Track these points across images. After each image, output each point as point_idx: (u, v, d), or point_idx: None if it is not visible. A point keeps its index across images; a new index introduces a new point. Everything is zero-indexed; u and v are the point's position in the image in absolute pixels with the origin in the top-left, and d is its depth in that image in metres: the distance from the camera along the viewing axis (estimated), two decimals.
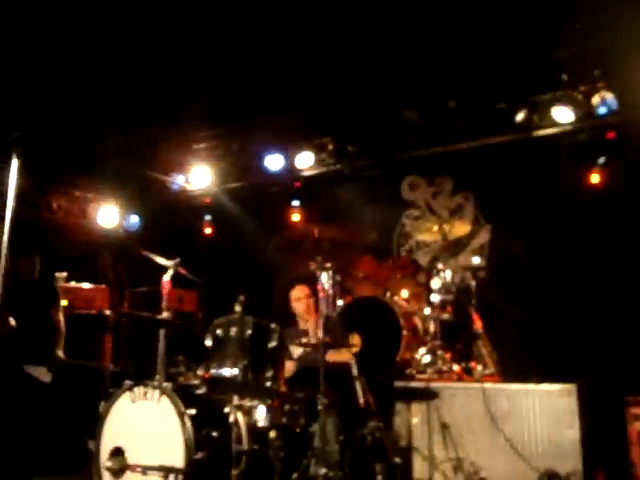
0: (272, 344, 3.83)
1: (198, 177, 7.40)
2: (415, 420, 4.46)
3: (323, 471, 3.53)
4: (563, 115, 5.78)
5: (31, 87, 5.51)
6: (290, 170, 6.95)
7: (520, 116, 5.97)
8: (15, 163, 2.74)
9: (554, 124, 5.88)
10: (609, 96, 5.52)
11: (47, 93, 5.64)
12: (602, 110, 5.60)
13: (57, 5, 4.87)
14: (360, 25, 5.28)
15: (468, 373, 4.77)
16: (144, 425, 3.72)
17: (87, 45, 5.34)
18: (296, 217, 7.08)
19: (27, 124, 3.08)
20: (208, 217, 7.76)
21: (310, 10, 5.14)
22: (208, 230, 7.78)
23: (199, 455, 3.52)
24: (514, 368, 4.87)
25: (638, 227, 5.56)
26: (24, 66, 5.35)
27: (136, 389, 3.82)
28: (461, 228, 5.73)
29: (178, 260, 4.43)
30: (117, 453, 3.74)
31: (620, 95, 5.49)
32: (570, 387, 4.10)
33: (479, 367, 4.78)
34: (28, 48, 5.22)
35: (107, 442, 3.81)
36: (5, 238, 2.70)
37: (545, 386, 4.17)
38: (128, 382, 3.89)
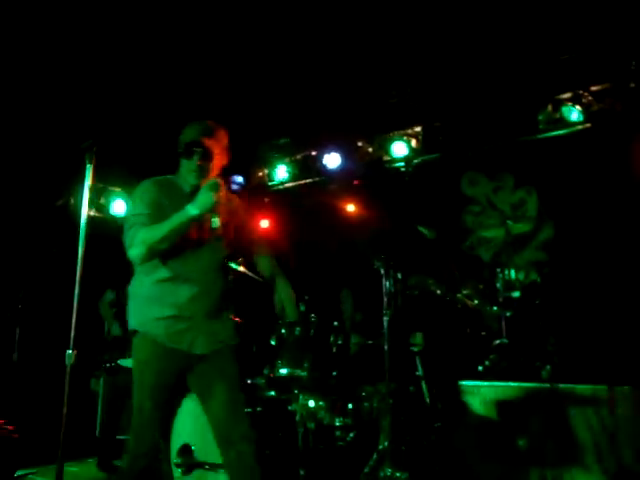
0: (337, 342, 3.83)
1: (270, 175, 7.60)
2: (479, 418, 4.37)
3: (390, 471, 3.51)
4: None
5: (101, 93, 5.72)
6: (348, 168, 6.98)
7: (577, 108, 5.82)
8: (89, 169, 2.82)
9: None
10: None
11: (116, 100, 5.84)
12: None
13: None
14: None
15: (535, 372, 4.64)
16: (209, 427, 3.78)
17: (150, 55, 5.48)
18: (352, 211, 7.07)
19: (99, 131, 3.17)
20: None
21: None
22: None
23: (266, 454, 3.55)
24: (581, 368, 4.72)
25: None
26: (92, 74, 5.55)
27: None
28: (524, 224, 5.59)
29: (240, 260, 4.49)
30: (185, 451, 3.81)
31: None
32: None
33: (547, 366, 4.64)
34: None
35: (176, 439, 3.89)
36: (81, 246, 2.79)
37: (618, 388, 4.02)
38: None
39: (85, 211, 2.85)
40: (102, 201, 7.33)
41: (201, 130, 3.02)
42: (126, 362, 5.05)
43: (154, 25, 5.18)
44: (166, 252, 2.90)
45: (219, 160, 3.06)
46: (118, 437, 5.12)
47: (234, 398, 2.98)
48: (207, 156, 3.00)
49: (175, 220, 2.85)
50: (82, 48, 5.31)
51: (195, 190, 2.96)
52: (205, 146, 2.98)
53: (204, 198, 2.84)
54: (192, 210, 2.83)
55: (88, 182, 2.85)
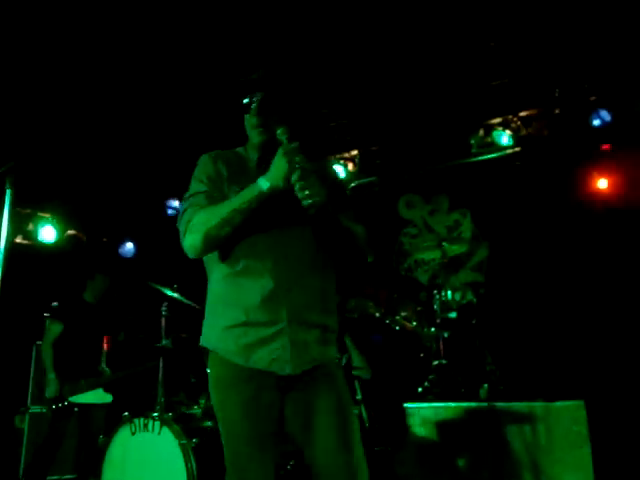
0: None
1: None
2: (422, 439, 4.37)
3: None
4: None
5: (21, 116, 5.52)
6: None
7: (507, 133, 6.06)
8: (9, 194, 2.69)
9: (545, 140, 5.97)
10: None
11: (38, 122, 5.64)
12: (596, 122, 5.65)
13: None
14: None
15: (474, 392, 4.70)
16: (145, 458, 3.64)
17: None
18: None
19: (19, 154, 3.03)
20: None
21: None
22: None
23: None
24: (518, 385, 4.81)
25: None
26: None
27: (136, 420, 3.73)
28: (460, 245, 5.70)
29: (175, 286, 4.39)
30: None
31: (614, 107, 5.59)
32: (578, 404, 4.04)
33: (485, 385, 4.70)
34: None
35: (107, 477, 3.72)
36: (0, 270, 2.63)
37: (553, 404, 4.10)
38: (127, 414, 3.81)
39: (4, 237, 2.68)
40: (30, 227, 7.05)
41: (258, 69, 2.28)
42: (79, 398, 4.75)
43: (79, 44, 5.04)
44: (235, 238, 2.18)
45: (289, 111, 2.30)
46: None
47: (344, 441, 2.11)
48: (270, 102, 2.24)
49: (240, 198, 2.13)
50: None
51: (264, 157, 2.26)
52: (266, 87, 2.24)
53: (278, 165, 2.10)
54: (262, 183, 2.10)
55: (7, 207, 2.69)
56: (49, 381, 4.71)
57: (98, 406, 4.80)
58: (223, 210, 2.15)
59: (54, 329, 4.88)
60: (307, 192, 2.01)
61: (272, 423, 2.14)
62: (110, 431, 3.83)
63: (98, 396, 4.79)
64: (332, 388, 2.16)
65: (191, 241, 2.20)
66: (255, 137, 2.29)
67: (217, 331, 2.21)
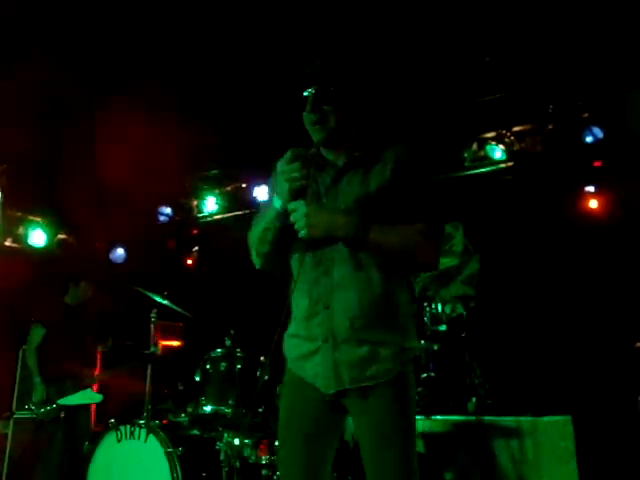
0: (263, 378, 3.74)
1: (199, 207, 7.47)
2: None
3: None
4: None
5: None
6: None
7: (500, 147, 6.09)
8: (0, 196, 2.68)
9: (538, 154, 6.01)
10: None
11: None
12: (589, 139, 5.70)
13: None
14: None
15: (462, 405, 4.69)
16: (131, 465, 3.61)
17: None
18: None
19: (11, 157, 3.03)
20: (195, 248, 7.69)
21: None
22: (193, 261, 7.70)
23: None
24: (506, 400, 4.81)
25: (632, 256, 5.57)
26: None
27: (122, 428, 3.70)
28: (451, 258, 5.70)
29: (165, 293, 4.37)
30: None
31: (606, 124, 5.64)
32: (566, 419, 4.04)
33: (473, 399, 4.70)
34: None
35: None
36: None
37: (541, 419, 4.10)
38: (113, 421, 3.78)
39: None
40: (20, 231, 7.01)
41: (313, 66, 2.18)
42: (67, 400, 4.72)
43: (69, 45, 5.04)
44: (288, 253, 2.19)
45: (348, 104, 2.18)
46: None
47: (382, 468, 2.01)
48: (324, 98, 2.11)
49: (266, 216, 2.12)
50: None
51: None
52: (319, 83, 2.12)
53: (280, 184, 2.02)
54: (275, 202, 2.06)
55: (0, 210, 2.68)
56: (35, 385, 4.69)
57: (84, 409, 4.78)
58: (258, 228, 2.17)
59: (37, 333, 4.90)
60: (297, 223, 2.00)
61: (317, 434, 2.12)
62: (95, 438, 3.79)
63: (87, 397, 4.76)
64: (374, 416, 2.05)
65: (251, 256, 2.26)
66: (314, 135, 2.15)
67: (286, 339, 2.23)
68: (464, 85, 5.86)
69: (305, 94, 2.12)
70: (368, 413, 2.05)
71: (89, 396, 4.80)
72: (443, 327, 5.11)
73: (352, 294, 2.06)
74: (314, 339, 2.10)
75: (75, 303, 5.13)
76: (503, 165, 6.29)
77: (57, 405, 4.59)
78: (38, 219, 7.15)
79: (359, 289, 2.06)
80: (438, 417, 4.45)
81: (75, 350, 4.94)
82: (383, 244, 2.04)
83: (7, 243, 6.80)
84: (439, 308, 5.17)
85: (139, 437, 3.61)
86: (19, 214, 6.93)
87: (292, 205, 2.01)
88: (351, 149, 2.19)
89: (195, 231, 7.60)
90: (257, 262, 2.24)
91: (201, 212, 7.54)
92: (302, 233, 2.01)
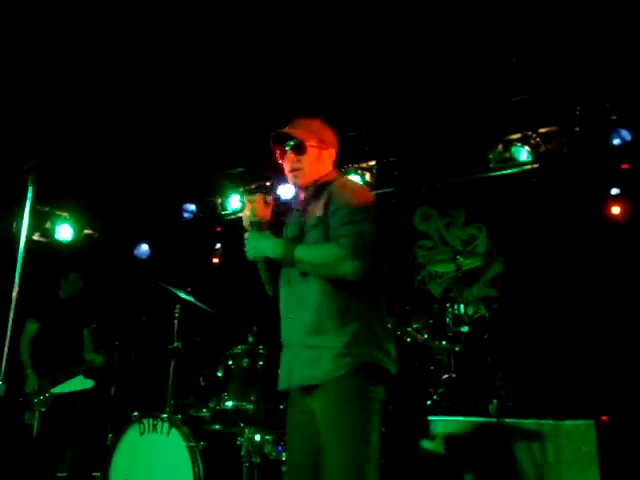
0: None
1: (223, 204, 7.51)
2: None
3: None
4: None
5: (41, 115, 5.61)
6: None
7: (526, 149, 6.04)
8: (31, 190, 2.73)
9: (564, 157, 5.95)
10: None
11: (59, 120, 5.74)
12: (616, 141, 5.63)
13: None
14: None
15: (483, 407, 4.66)
16: (153, 458, 3.66)
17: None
18: None
19: (41, 152, 3.08)
20: (218, 245, 7.73)
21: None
22: (216, 259, 7.76)
23: None
24: (528, 402, 4.77)
25: None
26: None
27: (145, 421, 3.75)
28: (474, 260, 5.67)
29: (189, 289, 4.42)
30: None
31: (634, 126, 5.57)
32: (588, 423, 4.00)
33: (494, 401, 4.67)
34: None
35: (115, 476, 3.74)
36: (19, 267, 2.67)
37: (562, 423, 4.06)
38: (137, 414, 3.83)
39: (24, 234, 2.72)
40: (47, 225, 7.13)
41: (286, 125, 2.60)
42: (59, 389, 4.81)
43: (100, 46, 5.13)
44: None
45: (315, 153, 2.59)
46: (58, 474, 4.89)
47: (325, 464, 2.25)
48: (296, 149, 2.56)
49: None
50: (23, 66, 5.21)
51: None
52: (287, 136, 2.57)
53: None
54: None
55: (29, 204, 2.73)
56: (27, 377, 4.85)
57: (78, 396, 4.88)
58: None
59: (30, 327, 5.07)
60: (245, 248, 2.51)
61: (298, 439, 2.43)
62: (119, 430, 3.84)
63: (78, 383, 4.88)
64: (317, 414, 2.32)
65: None
66: (292, 179, 2.63)
67: None
68: (490, 86, 5.82)
69: (286, 148, 2.58)
70: (314, 411, 2.32)
71: (80, 382, 4.92)
72: (465, 328, 5.08)
73: (301, 305, 2.43)
74: (284, 345, 2.51)
75: (68, 296, 5.27)
76: (529, 167, 6.25)
77: (50, 394, 4.72)
78: (65, 214, 7.26)
79: (306, 301, 2.41)
80: (459, 418, 4.43)
81: (67, 343, 5.09)
82: (307, 259, 2.39)
83: (35, 237, 6.93)
84: (461, 309, 5.13)
85: (162, 431, 3.66)
86: (47, 209, 7.06)
87: (245, 235, 2.53)
88: (308, 188, 2.60)
89: (219, 228, 7.65)
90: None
91: (225, 210, 7.59)
92: (247, 256, 2.53)
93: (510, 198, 6.42)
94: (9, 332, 2.57)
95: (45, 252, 6.87)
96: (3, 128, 5.60)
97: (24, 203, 2.79)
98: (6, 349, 2.56)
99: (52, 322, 5.12)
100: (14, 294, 2.64)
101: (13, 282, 2.64)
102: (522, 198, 6.35)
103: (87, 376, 5.00)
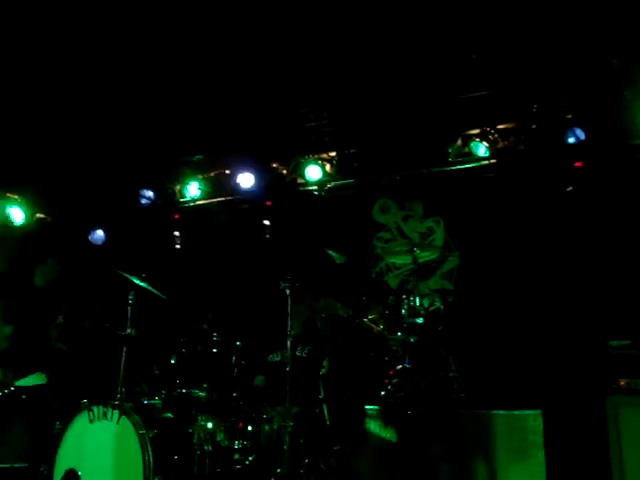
0: (239, 363, 3.75)
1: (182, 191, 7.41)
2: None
3: None
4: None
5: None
6: (261, 188, 6.96)
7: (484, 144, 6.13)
8: None
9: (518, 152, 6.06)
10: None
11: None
12: (571, 140, 5.76)
13: None
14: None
15: (436, 397, 4.73)
16: (102, 447, 3.60)
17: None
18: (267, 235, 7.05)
19: None
20: (176, 233, 7.64)
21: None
22: (173, 246, 7.66)
23: (158, 478, 3.40)
24: (479, 393, 4.86)
25: (609, 255, 5.65)
26: None
27: (95, 408, 3.68)
28: (431, 252, 5.73)
29: (144, 276, 4.35)
30: (71, 476, 3.59)
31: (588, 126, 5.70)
32: (536, 413, 4.10)
33: (446, 392, 4.74)
34: None
35: (61, 464, 3.66)
36: None
37: (512, 412, 4.16)
38: (86, 401, 3.75)
39: None
40: None
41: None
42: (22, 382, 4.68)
43: (64, 29, 4.99)
44: None
45: None
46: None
47: None
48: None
49: None
50: None
51: None
52: None
53: None
54: None
55: None
56: None
57: (43, 389, 4.75)
58: None
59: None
60: None
61: None
62: (67, 418, 3.76)
63: (40, 378, 4.74)
64: None
65: None
66: None
67: None
68: (452, 81, 5.88)
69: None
70: None
71: (42, 377, 4.77)
72: (420, 320, 5.14)
73: None
74: None
75: (44, 283, 5.08)
76: (486, 162, 6.33)
77: (15, 387, 4.58)
78: (16, 197, 7.06)
79: None
80: (412, 408, 4.49)
81: (38, 331, 4.93)
82: None
83: None
84: (417, 301, 5.18)
85: (112, 418, 3.60)
86: None
87: None
88: None
89: (177, 216, 7.55)
90: None
91: (184, 197, 7.49)
92: None
93: (468, 192, 6.50)
94: None
95: None
96: None
97: None
98: None
99: (28, 313, 4.91)
100: None
101: None
102: (479, 193, 6.44)
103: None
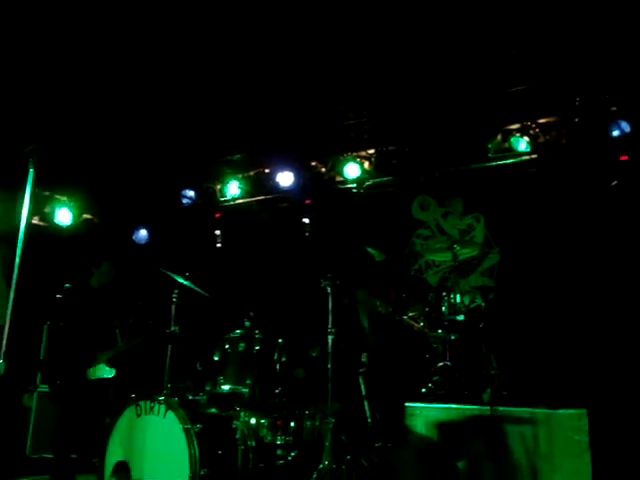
0: (281, 360, 3.80)
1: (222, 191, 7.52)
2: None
3: None
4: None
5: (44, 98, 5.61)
6: (301, 187, 7.02)
7: (525, 139, 6.04)
8: (31, 174, 2.74)
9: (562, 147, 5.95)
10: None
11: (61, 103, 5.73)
12: (615, 133, 5.63)
13: None
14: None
15: (477, 395, 4.71)
16: (150, 440, 3.70)
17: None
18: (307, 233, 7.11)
19: (42, 136, 3.09)
20: (217, 232, 7.75)
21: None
22: (217, 244, 7.78)
23: (204, 472, 3.48)
24: (521, 391, 4.81)
25: None
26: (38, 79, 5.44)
27: (142, 403, 3.79)
28: (471, 249, 5.70)
29: (187, 274, 4.44)
30: (121, 468, 3.71)
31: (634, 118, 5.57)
32: (581, 412, 4.04)
33: (488, 389, 4.71)
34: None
35: (111, 456, 3.78)
36: (19, 250, 2.70)
37: (555, 411, 4.10)
38: (134, 396, 3.86)
39: (25, 218, 2.74)
40: (47, 209, 7.15)
41: None
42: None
43: (106, 31, 5.12)
44: None
45: None
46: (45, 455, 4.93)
47: None
48: None
49: None
50: (24, 50, 5.20)
51: None
52: None
53: None
54: None
55: (30, 188, 2.75)
56: None
57: (100, 383, 4.89)
58: None
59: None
60: None
61: None
62: (116, 411, 3.88)
63: (101, 371, 4.88)
64: None
65: None
66: None
67: None
68: (490, 76, 5.82)
69: None
70: None
71: (103, 371, 4.90)
72: (461, 317, 5.11)
73: None
74: None
75: (99, 285, 5.22)
76: (527, 157, 6.25)
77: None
78: (65, 198, 7.27)
79: None
80: (453, 406, 4.48)
81: (97, 332, 5.07)
82: None
83: (34, 221, 6.94)
84: (457, 298, 5.16)
85: (158, 413, 3.70)
86: (46, 193, 7.06)
87: None
88: None
89: (217, 215, 7.67)
90: None
91: (224, 196, 7.60)
92: None
93: (508, 188, 6.43)
94: (9, 312, 2.60)
95: (44, 236, 6.89)
96: (3, 111, 5.59)
97: (24, 186, 2.81)
98: (7, 329, 2.58)
99: (81, 310, 5.04)
100: (14, 279, 2.66)
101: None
102: (520, 188, 6.36)
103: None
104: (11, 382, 2.79)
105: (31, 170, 2.76)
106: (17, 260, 2.74)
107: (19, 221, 2.82)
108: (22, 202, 2.82)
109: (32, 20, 4.90)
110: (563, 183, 6.10)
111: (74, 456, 4.65)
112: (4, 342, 2.57)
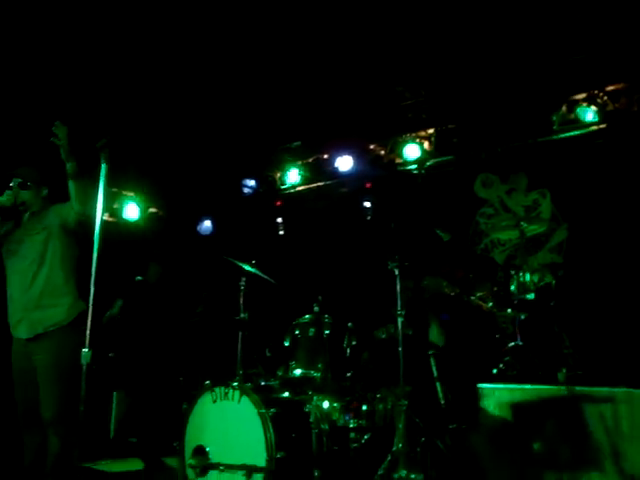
0: (351, 344, 3.81)
1: (282, 178, 7.60)
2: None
3: (404, 473, 3.49)
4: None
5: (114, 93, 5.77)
6: (360, 171, 7.00)
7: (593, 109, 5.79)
8: (104, 168, 2.82)
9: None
10: None
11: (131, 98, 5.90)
12: None
13: None
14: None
15: (551, 375, 4.59)
16: (225, 424, 3.79)
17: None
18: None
19: (112, 130, 3.17)
20: (279, 219, 7.82)
21: None
22: (280, 232, 7.86)
23: (280, 455, 3.54)
24: (597, 371, 4.67)
25: None
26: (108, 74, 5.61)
27: (217, 389, 3.88)
28: (538, 226, 5.55)
29: (254, 262, 4.50)
30: (200, 452, 3.81)
31: None
32: None
33: (563, 369, 4.59)
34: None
35: (190, 441, 3.89)
36: (95, 249, 2.79)
37: (635, 389, 3.96)
38: (209, 382, 3.96)
39: (100, 214, 2.83)
40: (115, 205, 7.38)
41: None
42: None
43: (169, 27, 5.21)
44: None
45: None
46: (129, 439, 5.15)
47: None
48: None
49: None
50: (97, 46, 5.35)
51: None
52: None
53: None
54: None
55: (103, 183, 2.83)
56: None
57: (175, 371, 5.15)
58: None
59: (116, 305, 5.62)
60: None
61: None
62: (191, 398, 3.99)
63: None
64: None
65: None
66: None
67: None
68: (552, 44, 5.61)
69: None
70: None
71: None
72: (531, 296, 5.00)
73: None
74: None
75: (152, 280, 5.54)
76: (595, 128, 6.01)
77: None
78: (131, 193, 7.49)
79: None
80: (527, 386, 4.39)
81: (153, 323, 5.35)
82: None
83: (105, 217, 7.18)
84: (527, 277, 5.04)
85: (233, 398, 3.78)
86: (114, 189, 7.29)
87: None
88: None
89: (278, 202, 7.73)
90: None
91: (284, 184, 7.65)
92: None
93: (575, 161, 6.21)
94: (90, 304, 2.70)
95: (115, 231, 7.13)
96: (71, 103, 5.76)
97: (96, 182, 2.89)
98: (89, 322, 2.68)
99: (135, 302, 5.47)
100: (93, 273, 2.76)
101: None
102: (588, 161, 6.13)
103: None
104: (95, 371, 2.91)
105: (103, 165, 2.83)
106: (95, 255, 2.83)
107: (94, 216, 2.91)
108: (97, 197, 2.91)
109: (98, 16, 5.03)
110: (634, 154, 5.84)
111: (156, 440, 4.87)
112: (87, 332, 2.67)
